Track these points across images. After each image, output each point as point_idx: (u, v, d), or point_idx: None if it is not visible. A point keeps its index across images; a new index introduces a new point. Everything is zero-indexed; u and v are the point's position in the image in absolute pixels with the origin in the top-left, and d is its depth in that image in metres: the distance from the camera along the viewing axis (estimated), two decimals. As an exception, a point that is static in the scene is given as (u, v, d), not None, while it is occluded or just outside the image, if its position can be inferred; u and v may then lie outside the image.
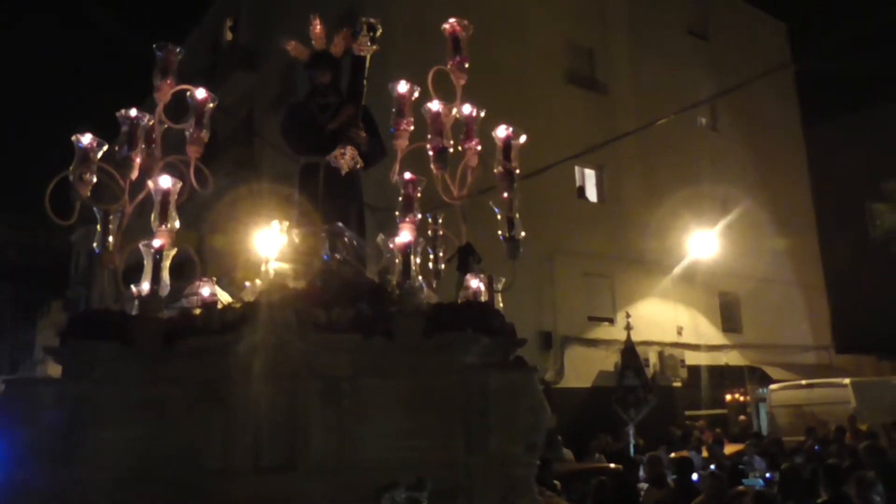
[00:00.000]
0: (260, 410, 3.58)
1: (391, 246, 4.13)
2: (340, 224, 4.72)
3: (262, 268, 5.49)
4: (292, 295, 3.85)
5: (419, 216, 4.26)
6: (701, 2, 24.84)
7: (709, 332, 21.72)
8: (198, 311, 3.87)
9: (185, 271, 4.78)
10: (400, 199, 4.24)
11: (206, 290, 4.45)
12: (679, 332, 20.64)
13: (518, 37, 18.86)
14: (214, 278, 4.61)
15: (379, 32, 5.34)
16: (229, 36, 26.17)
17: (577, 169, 20.12)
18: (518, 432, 3.56)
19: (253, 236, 5.74)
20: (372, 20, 5.40)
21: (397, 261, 3.98)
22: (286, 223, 5.73)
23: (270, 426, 3.57)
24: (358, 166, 5.16)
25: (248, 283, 4.82)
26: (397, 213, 4.20)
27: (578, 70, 21.15)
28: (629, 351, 15.65)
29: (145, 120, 4.43)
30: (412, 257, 3.90)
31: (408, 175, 4.26)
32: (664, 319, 20.36)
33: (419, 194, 4.26)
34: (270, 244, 5.63)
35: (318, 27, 5.47)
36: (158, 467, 3.56)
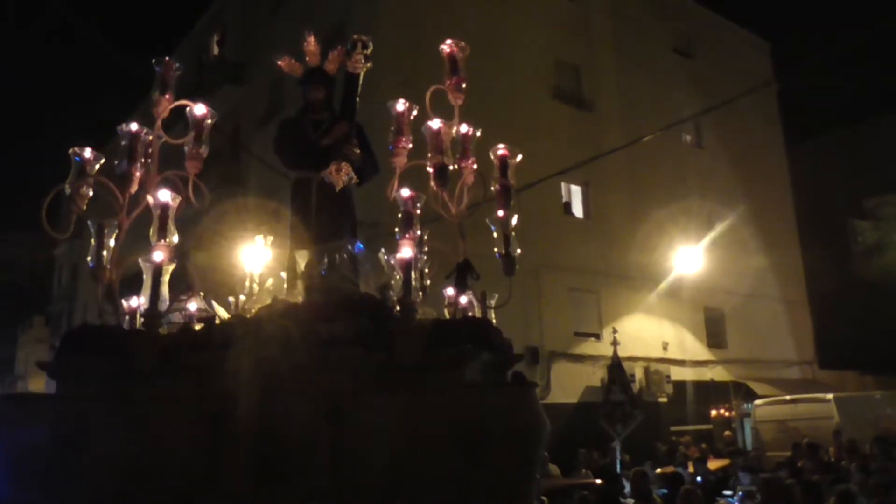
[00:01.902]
0: (260, 427, 3.57)
1: (392, 262, 4.16)
2: (342, 240, 4.74)
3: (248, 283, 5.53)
4: (294, 310, 3.86)
5: (418, 233, 4.28)
6: (685, 20, 25.19)
7: (694, 348, 21.86)
8: (198, 327, 3.86)
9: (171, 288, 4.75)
10: (399, 215, 4.26)
11: (193, 306, 4.45)
12: (664, 348, 20.77)
13: (505, 54, 19.01)
14: (202, 293, 4.61)
15: (370, 50, 5.39)
16: (216, 50, 26.16)
17: (563, 185, 20.28)
18: (518, 447, 3.58)
19: (240, 252, 5.76)
20: (364, 37, 5.44)
21: (397, 277, 4.00)
22: (270, 238, 5.77)
23: (270, 443, 3.55)
24: (353, 182, 5.18)
25: (231, 299, 4.83)
26: (396, 229, 4.22)
27: (565, 87, 21.35)
28: (616, 366, 15.71)
29: (143, 134, 4.43)
30: (413, 273, 3.92)
31: (407, 192, 4.28)
32: (650, 335, 20.49)
33: (418, 211, 4.29)
34: (259, 259, 5.67)
35: (313, 44, 5.50)
36: (156, 485, 3.53)
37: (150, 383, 3.71)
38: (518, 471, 3.59)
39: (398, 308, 3.90)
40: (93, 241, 4.14)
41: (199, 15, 27.51)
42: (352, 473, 3.52)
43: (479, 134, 4.84)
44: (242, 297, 5.01)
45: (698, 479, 12.24)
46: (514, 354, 4.15)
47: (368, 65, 5.41)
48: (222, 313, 4.35)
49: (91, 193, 4.24)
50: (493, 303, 4.71)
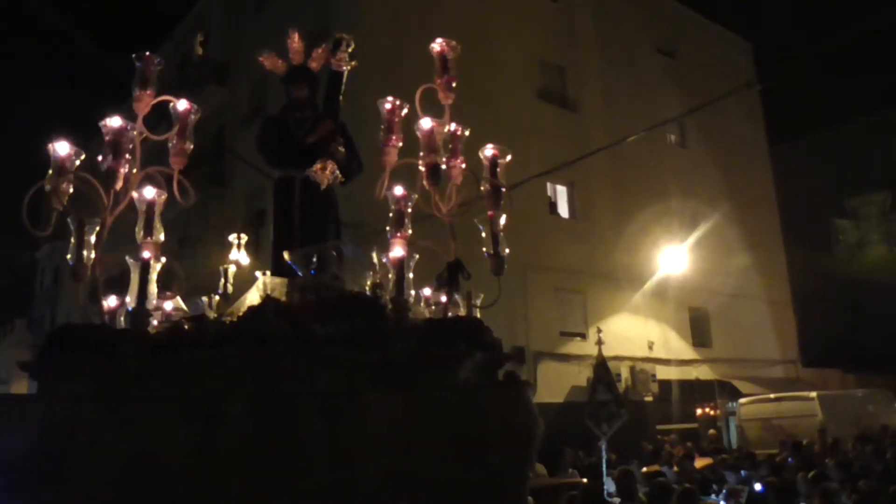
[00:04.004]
0: (253, 427, 3.50)
1: (385, 261, 4.12)
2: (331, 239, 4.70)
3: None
4: (288, 308, 3.80)
5: (410, 232, 4.23)
6: (669, 21, 25.32)
7: (679, 347, 21.97)
8: (188, 325, 3.78)
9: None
10: (391, 214, 4.21)
11: (168, 305, 4.37)
12: (650, 347, 20.88)
13: (490, 55, 19.00)
14: (178, 293, 4.54)
15: (352, 48, 5.36)
16: (200, 51, 25.98)
17: (548, 185, 20.33)
18: (513, 446, 3.55)
19: (225, 251, 5.71)
20: (345, 35, 5.41)
21: (390, 275, 3.96)
22: (244, 237, 5.72)
23: (263, 443, 3.48)
24: (338, 181, 5.13)
25: (204, 299, 4.75)
26: (388, 227, 4.18)
27: (550, 87, 21.41)
28: (601, 366, 15.69)
29: (127, 129, 4.32)
30: (406, 272, 3.88)
31: (399, 191, 4.24)
32: (635, 334, 20.57)
33: (410, 209, 4.24)
34: (241, 258, 5.63)
35: (297, 41, 5.46)
36: (146, 487, 3.45)
37: (140, 383, 3.62)
38: (512, 470, 3.57)
39: (391, 307, 3.85)
40: (72, 238, 4.03)
41: (182, 16, 27.36)
42: (347, 474, 3.47)
43: (467, 133, 4.81)
44: (216, 297, 4.96)
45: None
46: (506, 354, 4.13)
47: (353, 63, 5.37)
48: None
49: (71, 190, 4.13)
50: (478, 302, 4.67)
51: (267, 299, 3.77)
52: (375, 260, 4.50)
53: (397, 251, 3.90)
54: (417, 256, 4.16)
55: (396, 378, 3.62)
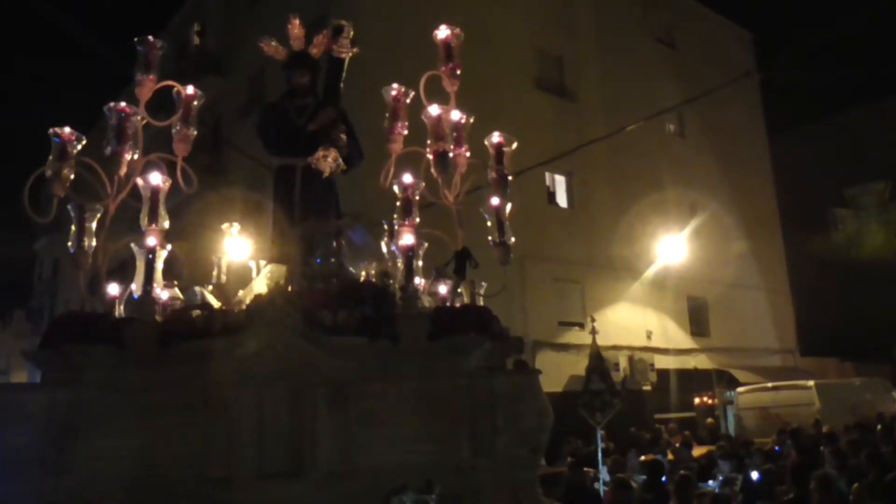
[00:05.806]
0: (264, 415, 3.46)
1: (394, 249, 4.08)
2: (340, 223, 4.65)
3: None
4: (298, 297, 3.75)
5: (418, 220, 4.17)
6: (668, 10, 25.17)
7: (677, 337, 21.95)
8: (197, 313, 3.73)
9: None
10: (398, 203, 4.16)
11: (165, 294, 4.34)
12: (648, 337, 20.85)
13: (488, 44, 18.85)
14: (175, 282, 4.50)
15: (352, 34, 5.31)
16: (196, 41, 25.80)
17: (547, 175, 20.22)
18: (523, 435, 3.54)
19: (220, 242, 5.66)
20: (346, 22, 5.35)
21: (399, 263, 3.92)
22: (237, 226, 5.68)
23: (275, 432, 3.45)
24: (340, 169, 5.08)
25: (197, 289, 4.72)
26: (395, 216, 4.13)
27: (548, 77, 21.30)
28: (595, 355, 15.65)
29: (134, 115, 4.25)
30: (415, 260, 3.84)
31: (409, 178, 4.18)
32: (634, 324, 20.54)
33: (417, 198, 4.19)
34: (238, 248, 5.58)
35: (298, 27, 5.39)
36: (157, 476, 3.41)
37: (147, 371, 3.58)
38: (523, 458, 3.55)
39: (401, 295, 3.81)
40: (73, 226, 3.97)
41: (178, 6, 27.18)
42: (357, 461, 3.44)
43: (472, 121, 4.76)
44: (209, 287, 4.92)
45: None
46: (515, 342, 4.10)
47: (355, 50, 5.31)
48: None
49: (73, 176, 4.06)
50: (482, 292, 4.64)
51: (276, 288, 3.72)
52: (385, 249, 4.45)
53: (407, 239, 3.85)
54: (426, 245, 4.11)
55: (406, 366, 3.59)
